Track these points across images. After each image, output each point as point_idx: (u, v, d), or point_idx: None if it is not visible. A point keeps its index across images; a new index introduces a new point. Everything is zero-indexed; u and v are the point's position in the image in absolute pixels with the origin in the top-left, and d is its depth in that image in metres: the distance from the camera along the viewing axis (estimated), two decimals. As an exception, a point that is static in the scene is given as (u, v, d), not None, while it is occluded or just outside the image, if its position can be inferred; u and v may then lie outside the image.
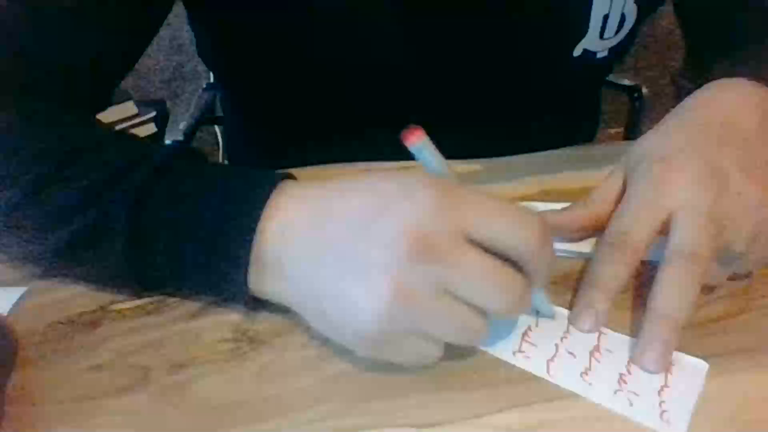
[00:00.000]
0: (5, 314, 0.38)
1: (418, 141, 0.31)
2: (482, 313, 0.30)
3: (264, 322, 0.36)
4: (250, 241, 0.33)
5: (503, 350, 0.34)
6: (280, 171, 0.36)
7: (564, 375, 0.32)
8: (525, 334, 0.35)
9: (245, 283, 0.34)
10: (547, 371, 0.33)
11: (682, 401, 0.31)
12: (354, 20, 0.50)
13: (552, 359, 0.33)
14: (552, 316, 0.36)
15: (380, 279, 0.29)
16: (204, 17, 0.55)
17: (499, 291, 0.30)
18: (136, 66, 0.51)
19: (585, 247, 0.41)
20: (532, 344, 0.34)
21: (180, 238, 0.34)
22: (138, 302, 0.38)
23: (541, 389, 0.32)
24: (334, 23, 0.50)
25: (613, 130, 1.39)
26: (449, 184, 0.31)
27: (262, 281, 0.34)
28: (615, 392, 0.31)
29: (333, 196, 0.33)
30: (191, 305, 0.38)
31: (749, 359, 0.33)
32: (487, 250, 0.30)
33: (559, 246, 0.41)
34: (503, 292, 0.30)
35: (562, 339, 0.34)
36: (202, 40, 0.62)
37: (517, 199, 0.46)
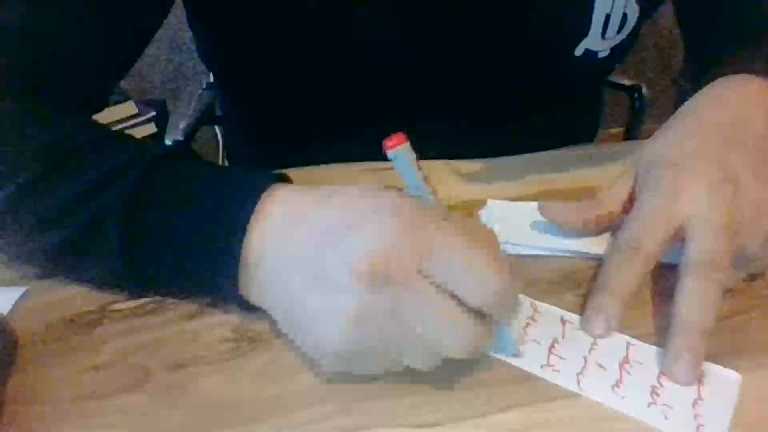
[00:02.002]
0: (5, 314, 0.38)
1: (396, 148, 0.30)
2: (431, 347, 0.30)
3: (264, 322, 0.36)
4: (239, 246, 0.33)
5: (530, 364, 0.33)
6: (272, 172, 0.36)
7: (595, 388, 0.32)
8: (552, 346, 0.34)
9: (236, 287, 0.34)
10: (578, 385, 0.32)
11: (718, 414, 0.30)
12: (354, 20, 0.50)
13: (581, 372, 0.33)
14: (516, 355, 0.34)
15: (342, 297, 0.29)
16: (204, 16, 0.55)
17: (446, 334, 0.29)
18: (136, 66, 0.50)
19: (585, 247, 0.41)
20: (560, 357, 0.34)
21: (172, 242, 0.34)
22: (138, 302, 0.38)
23: (542, 389, 0.32)
24: (334, 23, 0.50)
25: (613, 130, 1.39)
26: (419, 211, 0.30)
27: (250, 286, 0.34)
28: (648, 405, 0.31)
29: (307, 212, 0.33)
30: (191, 305, 0.38)
31: (749, 359, 0.33)
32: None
33: (559, 246, 0.41)
34: (450, 336, 0.29)
35: (590, 351, 0.34)
36: (202, 41, 0.62)
37: (518, 199, 0.46)
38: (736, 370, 0.32)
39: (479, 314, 0.29)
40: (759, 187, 0.36)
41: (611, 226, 0.40)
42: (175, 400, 0.32)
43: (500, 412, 0.31)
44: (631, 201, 0.39)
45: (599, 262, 0.39)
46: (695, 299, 0.33)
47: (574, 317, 0.36)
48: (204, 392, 0.33)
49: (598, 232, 0.41)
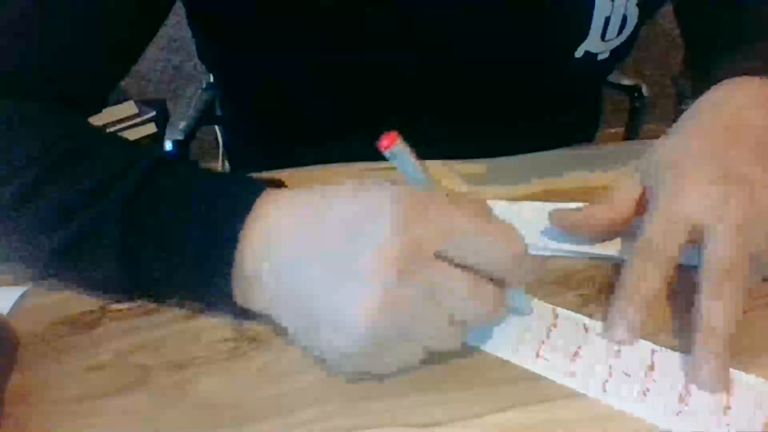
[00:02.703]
0: (5, 314, 0.38)
1: (391, 146, 0.30)
2: (460, 321, 0.31)
3: (264, 322, 0.36)
4: (232, 253, 0.33)
5: (554, 372, 0.33)
6: (267, 177, 0.36)
7: (621, 397, 0.31)
8: (576, 353, 0.34)
9: (231, 294, 0.34)
10: (604, 393, 0.32)
11: (749, 422, 0.30)
12: (353, 20, 0.50)
13: (607, 380, 0.32)
14: (530, 313, 0.36)
15: (369, 286, 0.29)
16: (203, 17, 0.55)
17: (474, 304, 0.30)
18: (136, 66, 0.50)
19: (587, 247, 0.41)
20: (585, 365, 0.33)
21: (167, 249, 0.34)
22: (138, 302, 0.38)
23: (541, 389, 0.32)
24: (334, 23, 0.50)
25: (613, 130, 1.39)
26: (423, 197, 0.31)
27: (248, 293, 0.34)
28: (677, 414, 0.30)
29: (319, 203, 0.33)
30: (191, 305, 0.38)
31: (749, 359, 0.33)
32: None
33: (561, 246, 0.41)
34: (477, 305, 0.30)
35: (614, 358, 0.34)
36: (202, 41, 0.62)
37: (518, 199, 0.46)
38: (737, 370, 0.32)
39: (495, 282, 0.31)
40: None
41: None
42: (175, 400, 0.32)
43: (500, 412, 0.31)
44: (641, 204, 0.39)
45: (601, 262, 0.39)
46: (718, 304, 0.33)
47: (597, 324, 0.36)
48: (204, 392, 0.33)
49: (609, 237, 0.41)
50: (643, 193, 0.39)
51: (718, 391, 0.32)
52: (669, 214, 0.36)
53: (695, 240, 0.35)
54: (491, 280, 0.31)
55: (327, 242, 0.31)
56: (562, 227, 0.41)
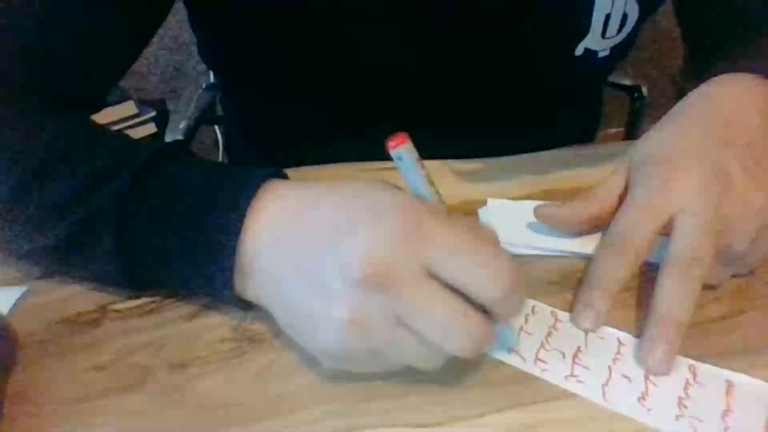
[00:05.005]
0: (5, 314, 0.38)
1: (399, 147, 0.30)
2: (438, 347, 0.29)
3: (264, 322, 0.36)
4: (234, 246, 0.33)
5: (554, 374, 0.33)
6: (267, 169, 0.36)
7: (621, 400, 0.31)
8: (575, 356, 0.34)
9: (231, 286, 0.34)
10: (603, 397, 0.32)
11: (749, 426, 0.30)
12: (354, 20, 0.50)
13: (607, 384, 0.32)
14: (514, 347, 0.34)
15: (337, 303, 0.29)
16: (204, 16, 0.55)
17: (454, 333, 0.28)
18: (136, 66, 0.50)
19: (585, 247, 0.41)
20: (584, 367, 0.33)
21: (167, 242, 0.34)
22: (138, 302, 0.38)
23: (541, 389, 0.32)
24: (333, 23, 0.50)
25: (613, 130, 1.39)
26: (421, 210, 0.29)
27: (245, 285, 0.34)
28: (677, 418, 0.30)
29: (306, 208, 0.32)
30: (191, 305, 0.38)
31: (749, 359, 0.33)
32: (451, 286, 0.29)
33: (559, 246, 0.41)
34: (459, 335, 0.28)
35: (614, 361, 0.33)
36: (203, 40, 0.62)
37: (517, 199, 0.46)
38: (737, 370, 0.32)
39: (483, 311, 0.29)
40: (749, 185, 0.36)
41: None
42: (175, 400, 0.32)
43: (500, 412, 0.31)
44: (624, 199, 0.39)
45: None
46: (673, 292, 0.33)
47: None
48: (204, 392, 0.33)
49: (591, 231, 0.41)
50: (626, 188, 0.39)
51: (663, 375, 0.32)
52: (646, 206, 0.37)
53: (669, 233, 0.36)
54: (483, 310, 0.29)
55: (305, 251, 0.31)
56: (544, 222, 0.41)
